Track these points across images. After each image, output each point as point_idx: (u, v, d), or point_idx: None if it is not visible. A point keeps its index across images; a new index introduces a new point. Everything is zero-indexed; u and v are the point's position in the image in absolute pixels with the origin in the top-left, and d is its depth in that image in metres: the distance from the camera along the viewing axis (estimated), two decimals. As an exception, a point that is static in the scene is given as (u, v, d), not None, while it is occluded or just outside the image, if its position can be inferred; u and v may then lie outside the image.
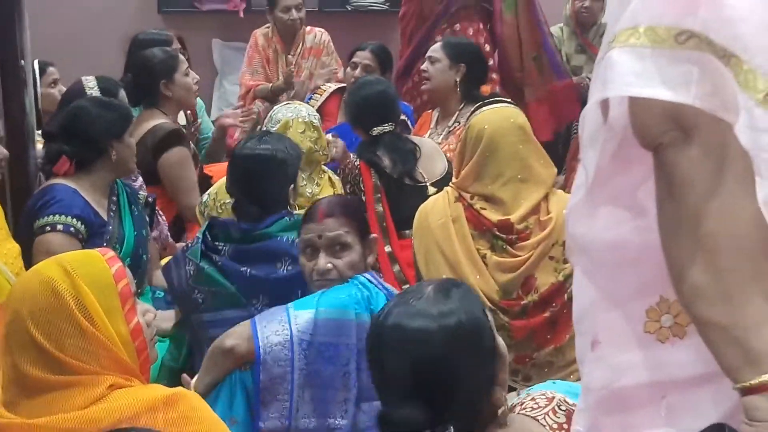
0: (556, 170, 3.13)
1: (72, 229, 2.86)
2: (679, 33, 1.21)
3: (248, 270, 2.59)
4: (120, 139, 3.00)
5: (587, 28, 5.19)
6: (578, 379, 1.51)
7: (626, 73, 1.22)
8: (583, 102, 5.18)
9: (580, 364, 1.44)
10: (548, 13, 5.25)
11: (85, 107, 3.02)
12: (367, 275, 2.36)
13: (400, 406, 1.50)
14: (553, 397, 1.63)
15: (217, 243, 2.66)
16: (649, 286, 1.34)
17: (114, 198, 3.06)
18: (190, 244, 2.69)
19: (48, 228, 2.86)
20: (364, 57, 4.67)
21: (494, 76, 4.88)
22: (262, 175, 2.69)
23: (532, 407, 1.63)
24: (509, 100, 3.31)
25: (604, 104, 1.31)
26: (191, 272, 2.62)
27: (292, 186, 2.76)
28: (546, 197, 3.05)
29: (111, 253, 1.82)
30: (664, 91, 1.20)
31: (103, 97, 3.32)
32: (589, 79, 4.86)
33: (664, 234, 1.25)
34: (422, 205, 3.12)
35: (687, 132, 1.21)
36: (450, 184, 3.14)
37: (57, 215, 2.87)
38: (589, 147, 1.35)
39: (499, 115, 3.08)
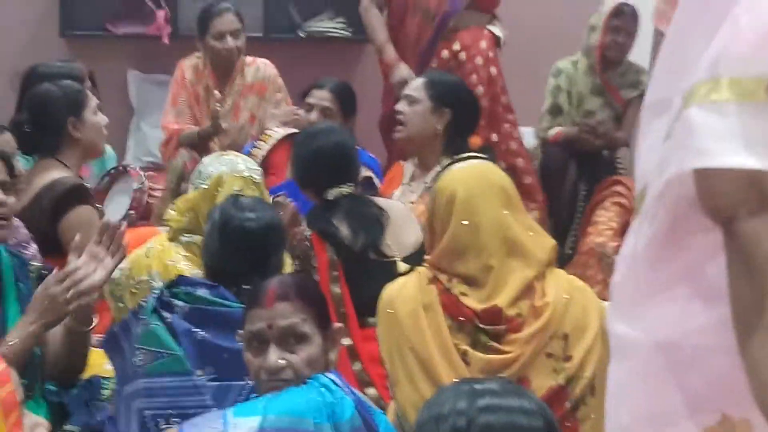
0: (553, 242, 3.12)
1: None
2: None
3: (200, 332, 2.69)
4: None
5: (611, 67, 5.26)
6: None
7: (707, 138, 1.25)
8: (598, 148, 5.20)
9: None
10: (555, 38, 5.37)
11: None
12: (330, 375, 2.36)
13: None
14: None
15: (173, 300, 2.77)
16: (707, 401, 1.34)
17: None
18: (141, 305, 2.83)
19: None
20: (321, 98, 4.69)
21: (510, 116, 4.98)
22: (270, 247, 2.98)
23: None
24: (485, 156, 3.32)
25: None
26: (139, 334, 2.74)
27: None
28: (541, 277, 3.03)
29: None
30: (750, 158, 1.23)
31: None
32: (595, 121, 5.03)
33: (740, 327, 1.25)
34: (386, 288, 3.10)
35: None
36: (424, 262, 3.13)
37: None
38: (643, 223, 1.37)
39: (473, 174, 3.05)
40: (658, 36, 5.33)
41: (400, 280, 3.14)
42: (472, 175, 3.06)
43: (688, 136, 1.27)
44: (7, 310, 3.01)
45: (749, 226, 1.24)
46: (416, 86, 4.26)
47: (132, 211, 4.43)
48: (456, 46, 4.95)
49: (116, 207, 4.35)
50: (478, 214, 2.99)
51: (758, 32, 1.27)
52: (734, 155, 1.24)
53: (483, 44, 4.95)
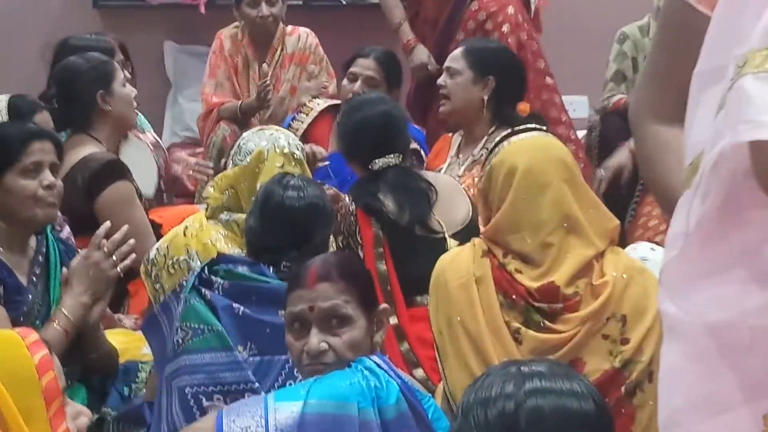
0: (616, 222, 3.13)
1: None
2: None
3: (241, 308, 2.75)
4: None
5: None
6: None
7: (763, 109, 1.25)
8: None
9: None
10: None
11: None
12: (374, 358, 2.39)
13: None
14: None
15: (213, 277, 2.84)
16: (766, 386, 1.36)
17: (40, 255, 3.09)
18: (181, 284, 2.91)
19: None
20: (365, 67, 4.74)
21: (549, 80, 4.95)
22: (312, 226, 3.01)
23: None
24: (543, 127, 3.34)
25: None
26: (181, 312, 2.80)
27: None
28: (600, 255, 3.05)
29: (34, 335, 1.83)
30: None
31: None
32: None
33: None
34: (441, 258, 3.14)
35: None
36: (480, 234, 3.16)
37: None
38: (695, 198, 1.37)
39: (535, 147, 3.10)
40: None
41: (454, 250, 3.19)
42: (532, 147, 3.10)
43: (742, 106, 1.26)
44: (53, 296, 3.09)
45: None
46: (455, 57, 4.26)
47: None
48: (481, 16, 4.93)
49: (143, 170, 4.33)
50: (539, 189, 3.02)
51: None
52: None
53: (510, 9, 4.92)
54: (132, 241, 3.10)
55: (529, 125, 3.29)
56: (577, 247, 3.02)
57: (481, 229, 3.16)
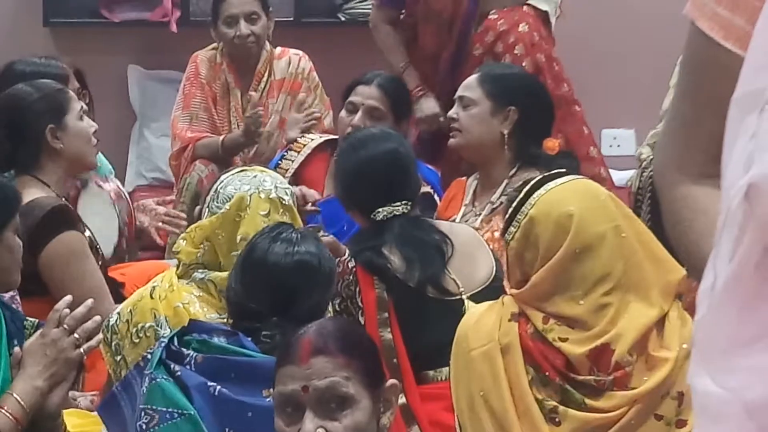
0: (682, 273, 3.11)
1: None
2: None
3: (217, 387, 2.74)
4: None
5: None
6: None
7: None
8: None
9: None
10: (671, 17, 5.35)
11: None
12: (383, 448, 2.40)
13: None
14: None
15: (184, 349, 2.84)
16: None
17: None
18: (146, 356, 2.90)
19: None
20: (367, 95, 4.76)
21: (576, 108, 4.98)
22: (299, 287, 3.01)
23: None
24: (569, 170, 3.36)
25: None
26: (145, 391, 2.79)
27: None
28: (663, 319, 3.07)
29: None
30: None
31: None
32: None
33: None
34: (464, 318, 3.17)
35: None
36: (509, 292, 3.17)
37: None
38: (721, 242, 1.38)
39: (581, 193, 3.13)
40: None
41: (480, 308, 3.20)
42: (577, 193, 3.13)
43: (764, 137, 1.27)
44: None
45: None
46: (470, 85, 4.29)
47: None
48: (490, 37, 4.97)
49: (102, 226, 4.34)
50: (596, 240, 3.06)
51: None
52: None
53: (523, 27, 4.96)
54: (98, 317, 3.08)
55: (558, 171, 3.29)
56: (637, 308, 3.05)
57: (510, 290, 3.17)
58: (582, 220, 3.06)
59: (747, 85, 1.44)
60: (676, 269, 3.12)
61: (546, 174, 3.24)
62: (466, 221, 4.24)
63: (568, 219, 3.06)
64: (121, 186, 4.78)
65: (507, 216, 3.17)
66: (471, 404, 3.06)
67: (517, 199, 3.15)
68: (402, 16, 5.24)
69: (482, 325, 3.12)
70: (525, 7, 5.06)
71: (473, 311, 3.22)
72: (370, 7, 6.21)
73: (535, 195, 3.13)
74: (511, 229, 3.15)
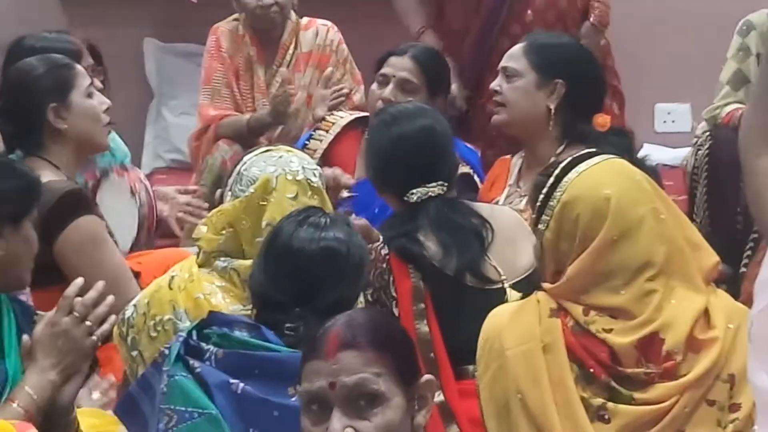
0: (717, 258, 3.19)
1: None
2: None
3: (240, 385, 2.75)
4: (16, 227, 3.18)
5: None
6: None
7: None
8: None
9: None
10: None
11: None
12: (417, 448, 2.41)
13: None
14: None
15: (203, 344, 2.84)
16: None
17: None
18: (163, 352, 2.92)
19: None
20: (400, 67, 4.78)
21: (616, 83, 4.97)
22: (323, 276, 3.01)
23: None
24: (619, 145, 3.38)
25: None
26: (164, 389, 2.80)
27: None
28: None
29: (32, 429, 1.87)
30: None
31: None
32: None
33: None
34: (491, 316, 3.18)
35: None
36: (544, 286, 3.17)
37: None
38: None
39: (616, 173, 3.15)
40: None
41: (510, 307, 3.21)
42: (613, 174, 3.15)
43: None
44: (8, 366, 3.09)
45: None
46: (514, 55, 4.30)
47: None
48: (528, 17, 4.98)
49: (121, 217, 4.38)
50: (636, 224, 3.08)
51: None
52: None
53: (563, 3, 4.97)
54: (110, 299, 3.09)
55: (588, 150, 3.29)
56: (684, 294, 3.08)
57: (545, 285, 3.18)
58: (620, 204, 3.07)
59: None
60: (711, 254, 3.18)
61: (576, 155, 3.23)
62: (510, 203, 4.26)
63: (605, 203, 3.07)
64: (142, 176, 4.80)
65: (538, 204, 3.17)
66: (505, 408, 3.07)
67: (548, 185, 3.15)
68: None
69: (519, 323, 3.13)
70: None
71: (501, 310, 3.22)
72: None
73: (566, 179, 3.14)
74: (544, 217, 3.15)
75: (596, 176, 3.14)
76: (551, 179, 3.14)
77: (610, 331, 3.06)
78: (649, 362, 3.04)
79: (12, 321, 3.17)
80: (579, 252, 3.09)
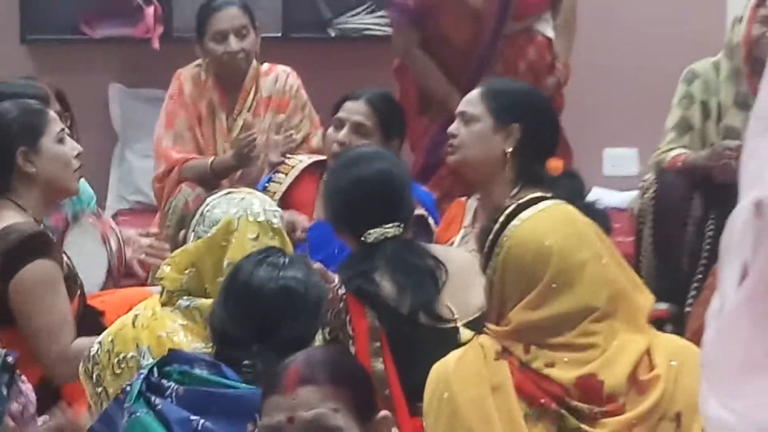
0: (652, 298, 3.21)
1: None
2: None
3: (200, 422, 2.75)
4: None
5: (760, 70, 5.21)
6: None
7: None
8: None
9: None
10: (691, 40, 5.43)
11: None
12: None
13: None
14: None
15: (164, 381, 2.85)
16: None
17: None
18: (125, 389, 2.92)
19: None
20: (355, 111, 4.78)
21: None
22: (283, 314, 3.02)
23: None
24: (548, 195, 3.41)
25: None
26: (125, 426, 2.81)
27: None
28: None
29: None
30: None
31: None
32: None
33: None
34: (437, 366, 3.16)
35: None
36: (486, 329, 3.18)
37: None
38: (727, 264, 1.39)
39: (558, 220, 3.14)
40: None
41: (456, 353, 3.18)
42: (554, 220, 3.15)
43: None
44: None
45: None
46: (472, 100, 4.29)
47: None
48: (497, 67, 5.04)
49: (90, 261, 4.37)
50: (577, 269, 3.08)
51: None
52: None
53: (531, 53, 5.01)
54: None
55: (534, 196, 3.30)
56: (626, 336, 3.08)
57: (489, 327, 3.17)
58: (561, 251, 3.07)
59: (764, 105, 1.46)
60: (648, 295, 3.19)
61: (521, 201, 3.24)
62: (466, 243, 4.24)
63: (547, 251, 3.07)
64: (113, 224, 4.79)
65: (486, 250, 3.18)
66: None
67: (494, 231, 3.15)
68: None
69: (465, 369, 3.11)
70: (534, 34, 5.16)
71: (445, 359, 3.18)
72: (361, 22, 6.28)
73: (510, 225, 3.14)
74: (491, 263, 3.16)
75: (539, 224, 3.13)
76: (497, 225, 3.15)
77: (552, 365, 3.05)
78: (592, 403, 3.03)
79: None
80: (522, 297, 3.09)
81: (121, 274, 4.57)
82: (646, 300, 3.17)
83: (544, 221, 3.14)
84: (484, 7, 5.09)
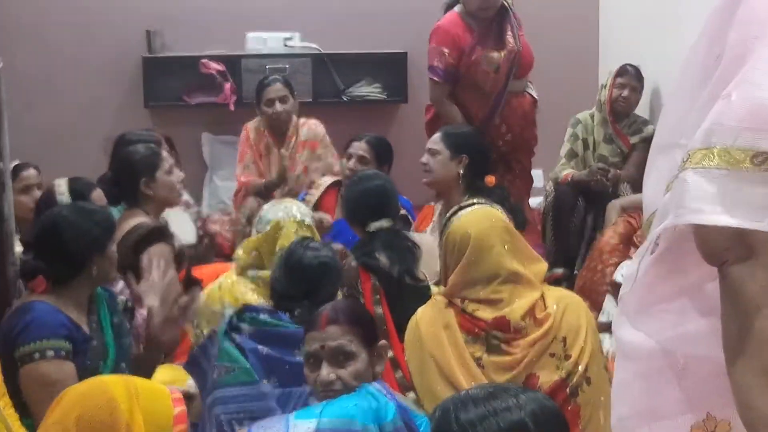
0: (545, 265, 3.21)
1: (63, 352, 2.77)
2: (755, 155, 1.26)
3: (265, 349, 2.76)
4: (103, 253, 2.94)
5: (621, 118, 5.24)
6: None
7: (698, 198, 1.28)
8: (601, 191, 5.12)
9: None
10: (578, 97, 5.37)
11: (63, 219, 2.90)
12: (375, 384, 2.39)
13: None
14: None
15: (241, 323, 2.85)
16: (696, 401, 1.34)
17: (94, 310, 3.05)
18: (214, 330, 2.95)
19: (37, 355, 2.74)
20: (359, 148, 4.76)
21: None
22: (322, 280, 3.04)
23: None
24: (482, 200, 3.40)
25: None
26: (215, 353, 2.83)
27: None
28: (542, 294, 3.11)
29: (178, 394, 1.90)
30: (734, 218, 1.25)
31: (84, 205, 3.19)
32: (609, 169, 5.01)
33: (727, 353, 1.27)
34: (413, 317, 3.18)
35: (753, 249, 1.26)
36: (438, 292, 3.20)
37: (44, 340, 2.76)
38: (648, 249, 1.38)
39: (479, 218, 3.15)
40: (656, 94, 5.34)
41: (421, 309, 3.20)
42: (476, 218, 3.15)
43: (684, 194, 1.29)
44: (107, 340, 3.02)
45: (735, 270, 1.27)
46: (435, 140, 4.30)
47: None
48: (503, 129, 4.94)
49: (182, 226, 4.42)
50: (486, 251, 3.07)
51: (746, 109, 1.28)
52: (721, 215, 1.26)
53: (526, 106, 4.97)
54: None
55: (472, 201, 3.31)
56: (525, 292, 3.08)
57: (440, 288, 3.19)
58: (477, 237, 3.08)
59: (661, 137, 1.44)
60: (543, 263, 3.21)
61: (462, 204, 3.26)
62: (433, 232, 4.23)
63: (467, 237, 3.08)
64: (192, 200, 4.95)
65: (441, 236, 3.22)
66: (423, 365, 3.07)
67: (444, 224, 3.21)
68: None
69: (427, 314, 3.14)
70: (526, 95, 5.04)
71: (419, 309, 3.20)
72: (366, 91, 6.23)
73: (453, 219, 3.17)
74: (440, 244, 3.20)
75: (466, 219, 3.15)
76: (446, 220, 3.19)
77: (477, 310, 3.07)
78: (505, 333, 3.04)
79: (105, 310, 3.08)
80: (454, 267, 3.11)
81: (209, 234, 4.82)
82: (542, 267, 3.18)
83: (469, 217, 3.15)
84: (500, 68, 4.98)
